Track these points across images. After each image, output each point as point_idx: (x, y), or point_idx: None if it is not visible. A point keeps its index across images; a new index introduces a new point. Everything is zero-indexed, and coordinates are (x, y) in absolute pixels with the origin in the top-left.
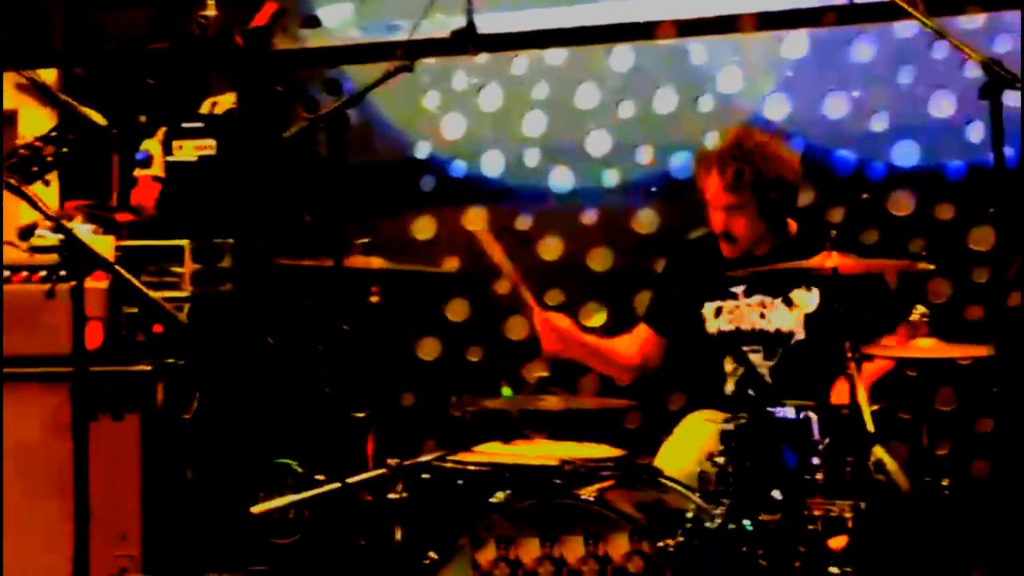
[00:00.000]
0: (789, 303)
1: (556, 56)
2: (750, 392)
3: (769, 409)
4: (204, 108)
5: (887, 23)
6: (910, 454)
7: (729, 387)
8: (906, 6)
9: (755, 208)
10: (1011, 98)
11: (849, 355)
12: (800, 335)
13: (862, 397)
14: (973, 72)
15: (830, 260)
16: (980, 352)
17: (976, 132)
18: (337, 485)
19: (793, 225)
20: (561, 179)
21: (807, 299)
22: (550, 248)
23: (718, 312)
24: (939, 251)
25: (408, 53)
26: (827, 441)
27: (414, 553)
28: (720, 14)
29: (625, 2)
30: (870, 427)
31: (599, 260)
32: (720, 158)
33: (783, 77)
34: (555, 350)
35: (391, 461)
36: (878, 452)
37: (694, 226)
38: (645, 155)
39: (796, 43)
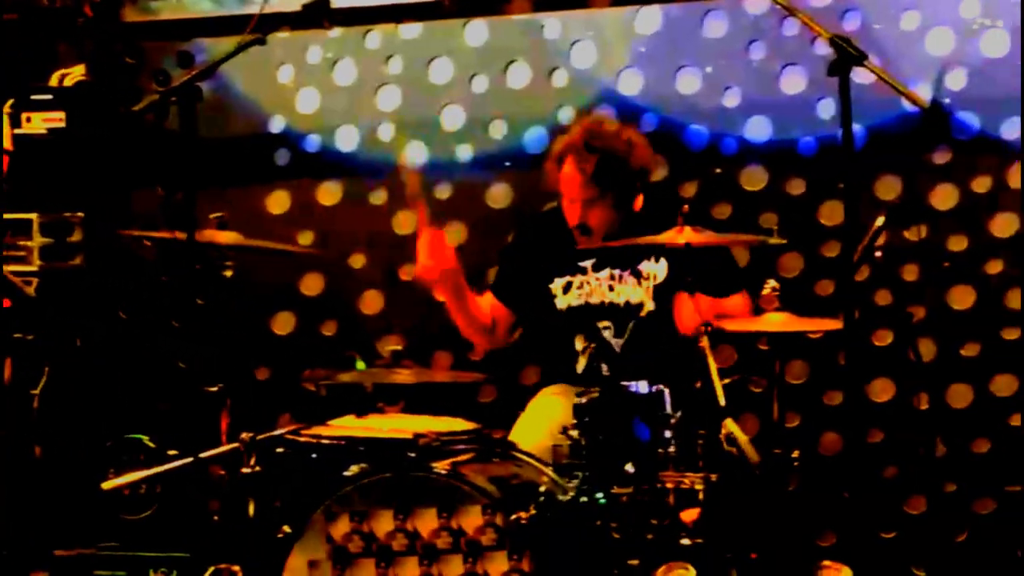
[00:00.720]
0: (638, 275)
1: (410, 31)
2: (603, 368)
3: (622, 383)
4: (53, 80)
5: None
6: (761, 427)
7: (581, 364)
8: None
9: (612, 199)
10: (860, 75)
11: (702, 329)
12: (650, 306)
13: (714, 371)
14: (823, 49)
15: (682, 235)
16: (830, 325)
17: (826, 108)
18: (189, 460)
19: (639, 199)
20: (415, 154)
21: (656, 270)
22: (404, 222)
23: (567, 287)
24: (790, 226)
25: (261, 26)
26: (679, 414)
27: (268, 527)
28: None
29: None
30: (721, 401)
31: (453, 235)
32: (578, 152)
33: (636, 52)
34: (431, 276)
35: (244, 435)
36: (729, 425)
37: (548, 201)
38: (499, 130)
39: (649, 19)
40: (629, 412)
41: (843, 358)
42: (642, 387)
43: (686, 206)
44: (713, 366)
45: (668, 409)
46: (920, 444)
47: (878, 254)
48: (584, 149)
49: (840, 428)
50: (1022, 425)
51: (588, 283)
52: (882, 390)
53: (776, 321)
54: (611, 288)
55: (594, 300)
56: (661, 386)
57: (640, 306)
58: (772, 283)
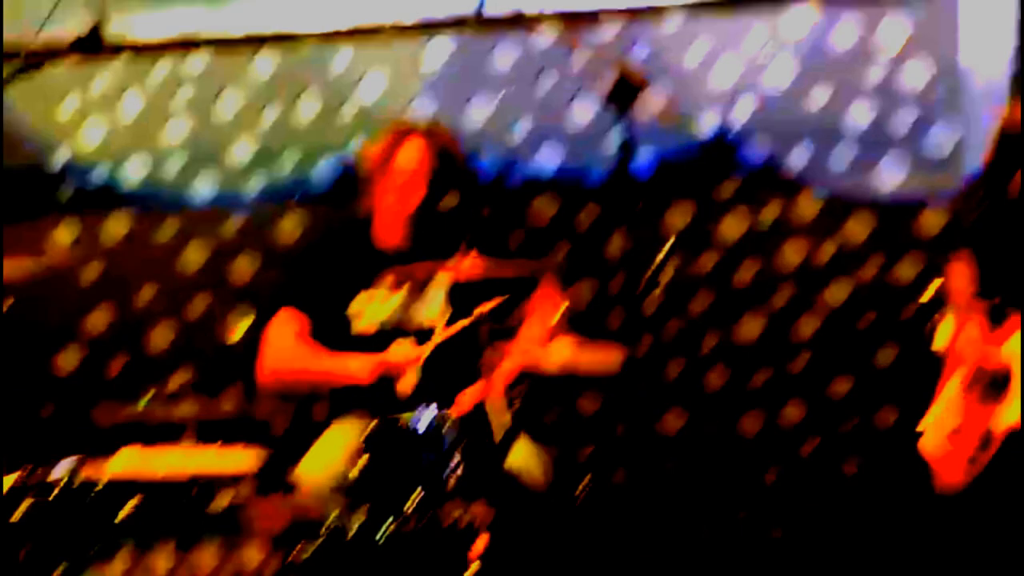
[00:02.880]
0: (432, 301)
1: (198, 61)
2: (396, 394)
3: (408, 414)
4: None
5: (527, 31)
6: (551, 456)
7: (373, 392)
8: (539, 17)
9: (443, 189)
10: (650, 104)
11: (487, 358)
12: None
13: (497, 400)
14: (611, 79)
15: (468, 262)
16: (616, 356)
17: (615, 138)
18: None
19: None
20: (204, 187)
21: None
22: (193, 256)
23: (363, 312)
24: (579, 256)
25: (37, 55)
26: (464, 444)
27: (43, 567)
28: (363, 21)
29: (268, 8)
30: (505, 430)
31: (242, 269)
32: (424, 130)
33: (426, 84)
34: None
35: (22, 473)
36: (517, 454)
37: (338, 232)
38: (289, 162)
39: (439, 49)
40: (415, 443)
41: (634, 389)
42: (427, 417)
43: (472, 235)
44: (496, 396)
45: (453, 439)
46: (712, 473)
47: (663, 284)
48: (429, 127)
49: (632, 458)
50: (812, 453)
51: (384, 306)
52: (674, 421)
53: (564, 351)
54: (405, 313)
55: (389, 325)
56: (447, 415)
57: (433, 331)
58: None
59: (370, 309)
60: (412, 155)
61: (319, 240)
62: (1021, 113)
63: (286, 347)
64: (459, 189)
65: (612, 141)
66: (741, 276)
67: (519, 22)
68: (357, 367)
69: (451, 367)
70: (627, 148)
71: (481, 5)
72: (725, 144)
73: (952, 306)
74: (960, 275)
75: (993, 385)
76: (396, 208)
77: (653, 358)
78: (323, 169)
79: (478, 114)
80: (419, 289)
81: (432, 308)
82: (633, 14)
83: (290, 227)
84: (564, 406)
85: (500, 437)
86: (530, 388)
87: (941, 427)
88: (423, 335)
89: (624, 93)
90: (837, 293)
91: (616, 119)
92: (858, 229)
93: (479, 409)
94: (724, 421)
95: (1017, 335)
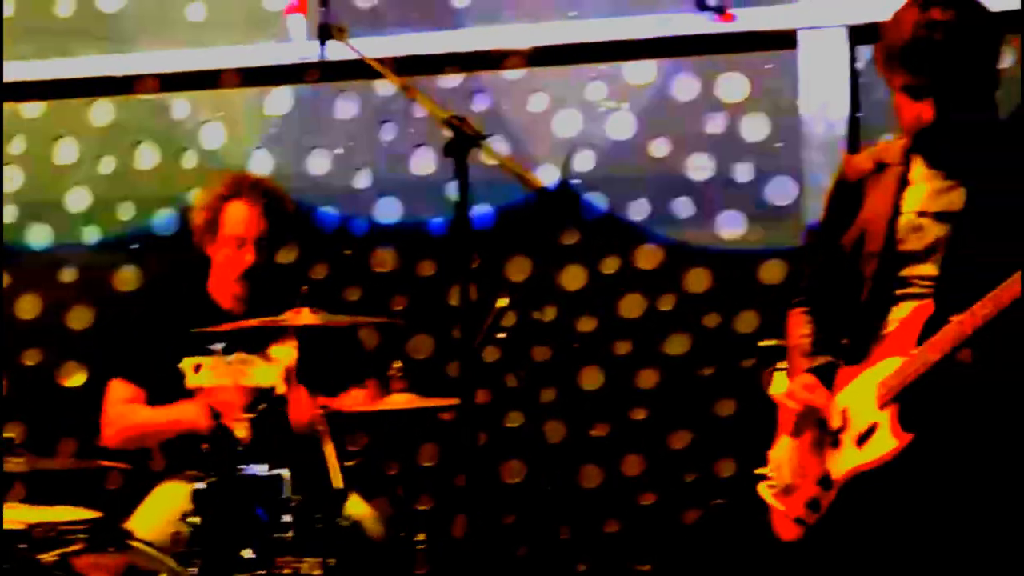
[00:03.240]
0: (268, 359)
1: (33, 109)
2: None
3: (241, 467)
4: None
5: (368, 81)
6: (389, 508)
7: (205, 446)
8: (377, 65)
9: (274, 241)
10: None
11: (319, 410)
12: (281, 389)
13: (330, 452)
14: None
15: (301, 316)
16: (449, 404)
17: (455, 189)
18: None
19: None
20: (39, 236)
21: (287, 353)
22: (27, 307)
23: (198, 368)
24: (420, 307)
25: None
26: (299, 498)
27: None
28: (202, 69)
29: (106, 56)
30: (338, 483)
31: (79, 319)
32: (249, 186)
33: (267, 133)
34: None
35: None
36: (353, 506)
37: (178, 282)
38: (127, 211)
39: (280, 99)
40: (248, 497)
41: (475, 439)
42: (261, 471)
43: (305, 287)
44: (330, 448)
45: (287, 493)
46: (552, 524)
47: (502, 335)
48: (251, 187)
49: (472, 509)
50: (652, 505)
51: (219, 364)
52: (514, 471)
53: (399, 401)
54: (242, 372)
55: (226, 383)
56: (280, 470)
57: (272, 389)
58: (397, 364)
59: (205, 365)
60: (239, 219)
61: (153, 295)
62: (851, 166)
63: (122, 413)
64: (292, 245)
65: (451, 192)
66: (582, 327)
67: (360, 71)
68: (192, 412)
69: (284, 422)
70: (463, 199)
71: (322, 53)
72: (566, 194)
73: (789, 356)
74: (797, 325)
75: (828, 432)
76: (227, 270)
77: (493, 409)
78: (162, 218)
79: (318, 165)
80: (253, 347)
81: (267, 366)
82: (475, 64)
83: (128, 277)
84: (403, 457)
85: (335, 490)
86: (369, 440)
87: (778, 474)
88: (259, 393)
89: (460, 144)
90: (678, 344)
91: (453, 170)
92: (699, 280)
93: (314, 462)
94: (564, 472)
95: (854, 383)
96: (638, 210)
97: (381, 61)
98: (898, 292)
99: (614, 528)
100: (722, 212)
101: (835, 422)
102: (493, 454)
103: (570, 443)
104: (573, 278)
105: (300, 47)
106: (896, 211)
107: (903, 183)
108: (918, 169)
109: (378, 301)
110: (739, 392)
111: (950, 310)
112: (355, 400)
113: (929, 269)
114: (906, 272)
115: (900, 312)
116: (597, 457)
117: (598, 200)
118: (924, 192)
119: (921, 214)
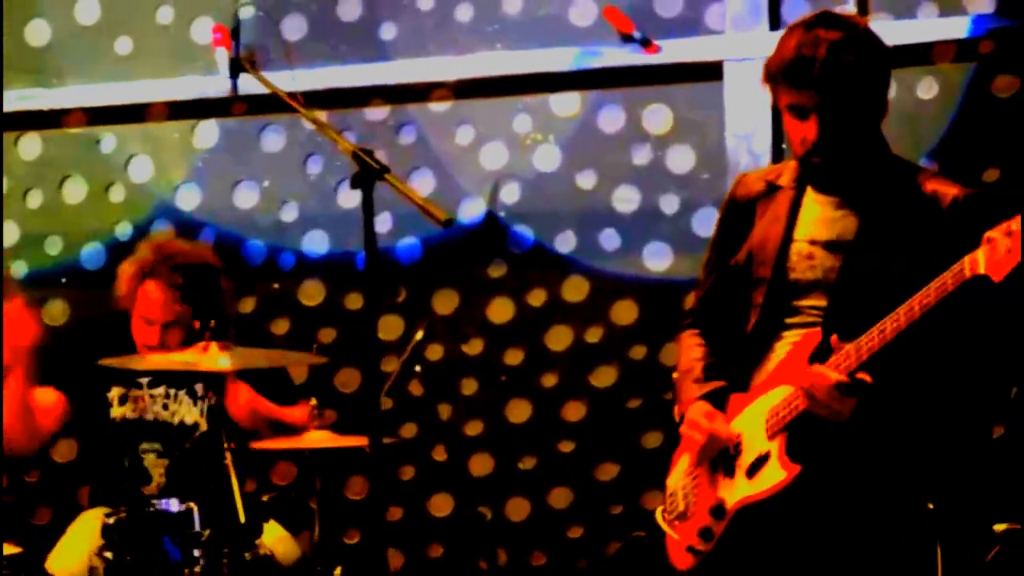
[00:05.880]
0: (194, 395)
1: None
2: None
3: (153, 501)
4: None
5: (294, 114)
6: (309, 540)
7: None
8: (287, 98)
9: (193, 315)
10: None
11: (226, 445)
12: (204, 427)
13: (236, 487)
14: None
15: (207, 353)
16: (360, 441)
17: (383, 222)
18: None
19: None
20: None
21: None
22: None
23: (123, 399)
24: (349, 340)
25: None
26: (208, 532)
27: None
28: (130, 102)
29: (33, 89)
30: (242, 517)
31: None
32: (163, 271)
33: (194, 167)
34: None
35: None
36: (268, 540)
37: (107, 316)
38: (55, 246)
39: (207, 133)
40: (159, 531)
41: (403, 472)
42: (172, 505)
43: (213, 321)
44: (235, 482)
45: (198, 527)
46: (480, 557)
47: (419, 368)
48: (169, 268)
49: (401, 543)
50: (579, 537)
51: (144, 398)
52: (442, 504)
53: (317, 438)
54: (166, 407)
55: (148, 416)
56: (191, 504)
57: (196, 426)
58: (312, 401)
59: (130, 396)
60: (152, 302)
61: (80, 326)
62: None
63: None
64: (213, 294)
65: (379, 224)
66: (509, 359)
67: (286, 105)
68: (300, 413)
69: (198, 459)
70: (369, 230)
71: (234, 86)
72: (493, 227)
73: (679, 381)
74: (688, 349)
75: (723, 459)
76: (141, 338)
77: (420, 442)
78: (90, 252)
79: (245, 198)
80: (183, 384)
81: (186, 404)
82: (401, 96)
83: (56, 311)
84: (330, 489)
85: (246, 525)
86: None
87: (673, 501)
88: (185, 431)
89: (362, 176)
90: (605, 376)
91: (386, 203)
92: (626, 312)
93: (225, 497)
94: (492, 504)
95: (747, 411)
96: (565, 242)
97: (292, 95)
98: (787, 320)
99: (542, 561)
100: (649, 244)
101: (730, 450)
102: (420, 488)
103: (498, 476)
104: (500, 310)
105: (226, 80)
106: (788, 238)
107: (795, 208)
108: (811, 194)
109: (306, 334)
110: (666, 424)
111: (839, 339)
112: (293, 416)
113: (819, 300)
114: (797, 302)
115: (789, 340)
116: (525, 489)
117: (525, 232)
118: (815, 218)
119: (812, 242)
